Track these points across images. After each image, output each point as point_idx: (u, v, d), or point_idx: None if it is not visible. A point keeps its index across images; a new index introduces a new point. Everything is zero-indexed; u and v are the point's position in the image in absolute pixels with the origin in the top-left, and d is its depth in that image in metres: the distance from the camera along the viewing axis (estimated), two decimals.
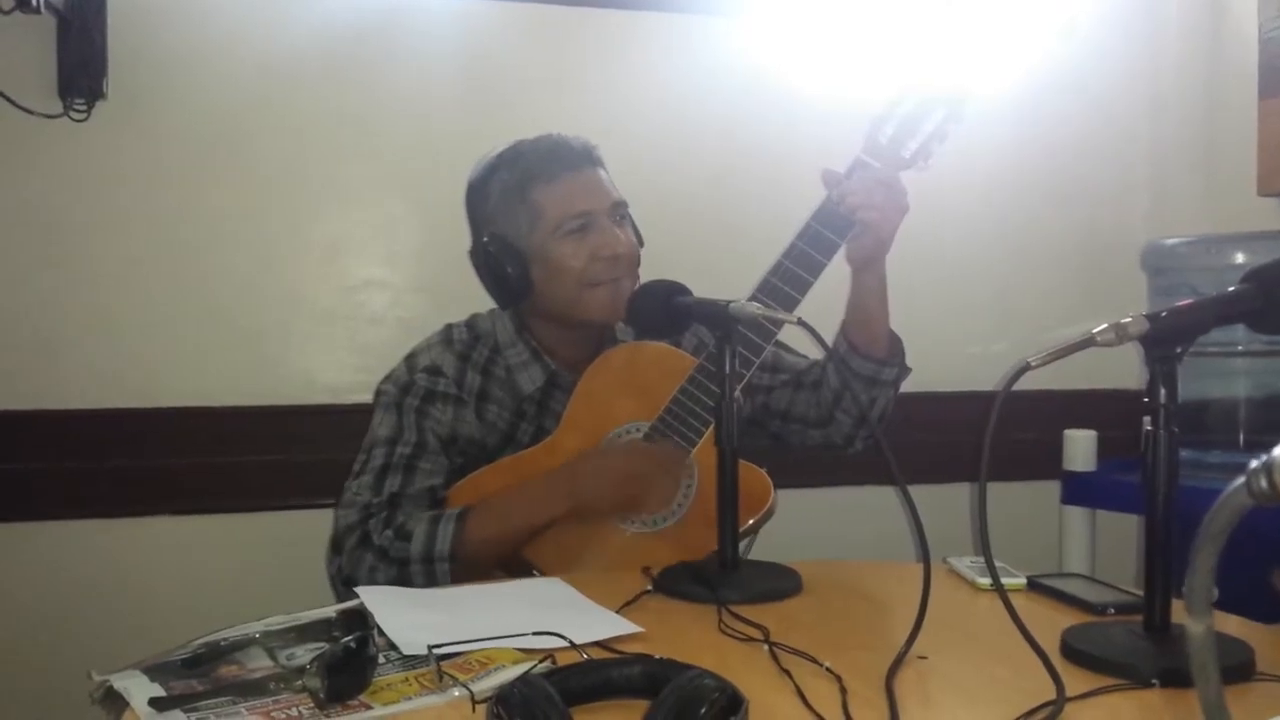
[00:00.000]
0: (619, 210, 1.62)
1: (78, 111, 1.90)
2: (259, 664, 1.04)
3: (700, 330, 1.68)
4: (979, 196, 2.32)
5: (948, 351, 2.30)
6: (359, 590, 1.23)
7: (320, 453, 1.97)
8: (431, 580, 1.45)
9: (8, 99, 1.85)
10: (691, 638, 1.14)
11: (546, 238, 1.58)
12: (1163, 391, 1.02)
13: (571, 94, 2.13)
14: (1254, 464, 0.49)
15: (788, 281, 1.48)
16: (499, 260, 1.60)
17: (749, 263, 1.60)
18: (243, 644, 1.07)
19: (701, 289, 1.46)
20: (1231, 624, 1.17)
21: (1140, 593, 1.09)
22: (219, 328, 2.01)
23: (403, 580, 1.44)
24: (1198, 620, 0.51)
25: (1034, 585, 1.32)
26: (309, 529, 1.74)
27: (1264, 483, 0.48)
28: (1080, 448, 2.10)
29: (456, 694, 0.96)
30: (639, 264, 1.64)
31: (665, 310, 1.45)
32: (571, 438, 1.57)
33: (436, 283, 2.06)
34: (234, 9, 1.99)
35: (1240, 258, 1.89)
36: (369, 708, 0.94)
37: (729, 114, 2.19)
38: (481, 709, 0.92)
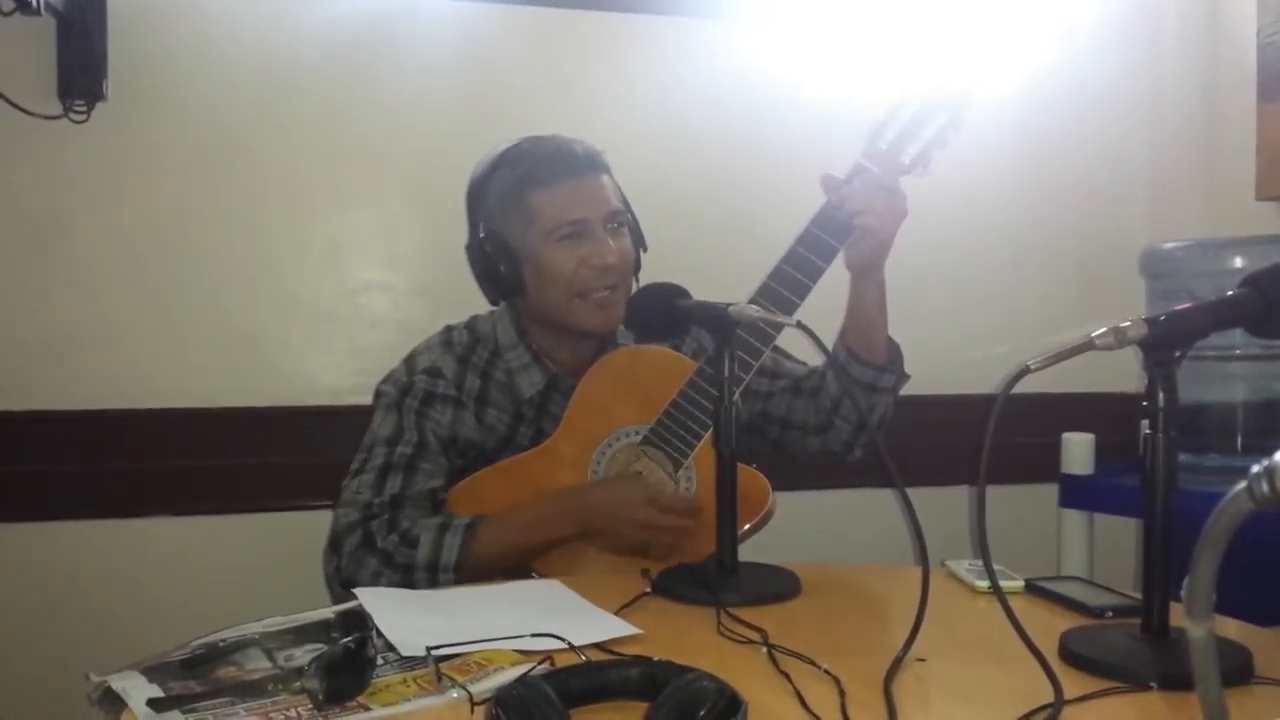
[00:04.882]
0: (615, 219, 1.61)
1: (77, 113, 1.90)
2: (257, 665, 1.04)
3: (700, 334, 1.68)
4: (979, 200, 2.32)
5: (948, 355, 2.30)
6: (358, 591, 1.23)
7: (320, 454, 1.96)
8: (434, 587, 1.44)
9: (7, 100, 1.85)
10: (690, 640, 1.14)
11: (540, 242, 1.58)
12: (1161, 395, 1.02)
13: (571, 96, 2.13)
14: (1256, 468, 0.49)
15: (787, 286, 1.48)
16: (493, 258, 1.60)
17: (748, 266, 1.59)
18: (241, 645, 1.07)
19: (701, 292, 1.46)
20: (1230, 627, 1.18)
21: (1138, 596, 1.09)
22: (219, 329, 2.00)
23: (406, 585, 1.44)
24: (1198, 624, 0.51)
25: (1032, 588, 1.32)
26: (308, 530, 1.73)
27: (1266, 487, 0.48)
28: (1078, 451, 2.10)
29: (455, 695, 0.96)
30: (636, 272, 1.64)
31: (665, 313, 1.45)
32: (569, 441, 1.57)
33: (436, 285, 2.06)
34: (234, 11, 1.99)
35: (1239, 262, 1.89)
36: (367, 709, 0.94)
37: (728, 117, 2.19)
38: (480, 710, 0.92)
